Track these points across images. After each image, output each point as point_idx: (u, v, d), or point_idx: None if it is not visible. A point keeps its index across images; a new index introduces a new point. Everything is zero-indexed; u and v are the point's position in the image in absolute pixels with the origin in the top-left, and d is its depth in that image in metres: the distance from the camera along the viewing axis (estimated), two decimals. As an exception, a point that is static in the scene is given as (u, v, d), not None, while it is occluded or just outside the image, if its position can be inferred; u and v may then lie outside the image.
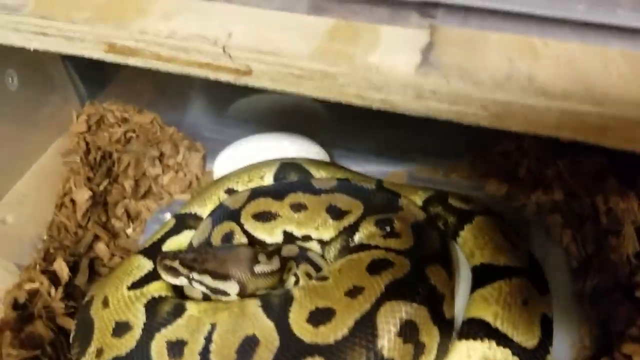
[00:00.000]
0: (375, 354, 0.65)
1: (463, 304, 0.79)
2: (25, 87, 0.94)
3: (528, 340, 0.73)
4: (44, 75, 1.12)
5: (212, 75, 0.58)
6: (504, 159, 1.15)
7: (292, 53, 0.53)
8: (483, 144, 1.17)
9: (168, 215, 1.16)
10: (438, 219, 0.87)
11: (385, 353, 0.65)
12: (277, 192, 0.86)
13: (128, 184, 1.10)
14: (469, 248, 0.83)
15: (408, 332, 0.67)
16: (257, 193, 0.87)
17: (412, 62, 0.50)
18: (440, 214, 0.87)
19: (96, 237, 1.01)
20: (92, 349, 0.73)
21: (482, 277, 0.79)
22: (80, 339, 0.75)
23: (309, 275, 0.81)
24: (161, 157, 1.17)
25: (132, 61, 0.60)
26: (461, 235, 0.85)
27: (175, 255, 0.77)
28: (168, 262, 0.76)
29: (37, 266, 0.89)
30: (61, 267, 0.89)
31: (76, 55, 0.62)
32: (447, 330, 0.72)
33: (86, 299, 0.82)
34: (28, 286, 0.85)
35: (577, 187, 1.05)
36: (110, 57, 0.61)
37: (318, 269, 0.82)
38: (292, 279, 0.82)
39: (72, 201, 1.00)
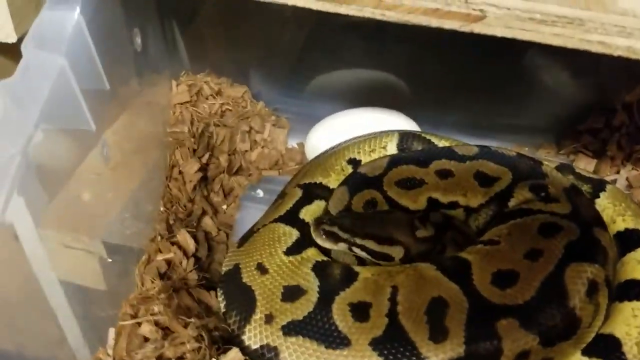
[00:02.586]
0: (567, 314, 0.65)
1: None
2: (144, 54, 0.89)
3: (684, 300, 0.75)
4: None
5: (434, 22, 0.57)
6: (593, 136, 1.17)
7: (539, -3, 0.52)
8: (570, 121, 1.19)
9: (260, 192, 1.13)
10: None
11: (577, 313, 0.65)
12: (419, 159, 0.85)
13: (224, 159, 1.06)
14: (608, 215, 0.84)
15: (592, 292, 0.67)
16: (397, 160, 0.86)
17: (673, 8, 0.50)
18: (574, 183, 0.88)
19: (203, 211, 0.97)
20: (257, 316, 0.70)
21: (629, 241, 0.80)
22: (238, 308, 0.72)
23: (455, 242, 0.81)
24: (249, 132, 1.14)
25: (344, 9, 0.58)
26: (598, 203, 0.86)
27: (332, 220, 0.75)
28: (327, 227, 0.74)
29: (162, 237, 0.85)
30: (186, 239, 0.85)
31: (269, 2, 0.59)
32: (612, 291, 0.73)
33: (227, 269, 0.78)
34: (161, 256, 0.81)
35: (671, 162, 1.08)
36: (320, 6, 0.58)
37: (465, 235, 0.81)
38: (438, 247, 0.81)
39: (181, 173, 0.96)
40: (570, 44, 0.55)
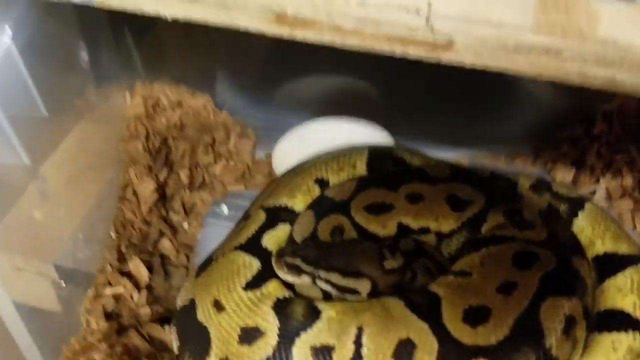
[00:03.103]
0: (544, 354, 0.61)
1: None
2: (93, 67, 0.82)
3: (666, 330, 0.72)
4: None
5: (399, 50, 0.51)
6: (572, 145, 1.13)
7: (512, 24, 0.47)
8: (548, 130, 1.15)
9: (224, 208, 1.07)
10: (549, 208, 0.83)
11: (554, 352, 0.61)
12: (389, 181, 0.79)
13: (184, 174, 1.00)
14: (586, 237, 0.80)
15: (569, 329, 0.63)
16: (366, 183, 0.80)
17: (657, 36, 0.46)
18: (550, 202, 0.84)
19: (160, 233, 0.91)
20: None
21: (608, 266, 0.77)
22: (192, 350, 0.67)
23: (427, 270, 0.76)
24: (212, 144, 1.07)
25: (300, 34, 0.52)
26: (576, 224, 0.81)
27: (295, 251, 0.70)
28: (289, 260, 0.68)
29: (112, 268, 0.79)
30: (139, 268, 0.79)
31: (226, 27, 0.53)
32: (590, 323, 0.69)
33: (181, 303, 0.73)
34: (110, 291, 0.75)
35: (651, 173, 1.05)
36: (274, 30, 0.52)
37: (438, 263, 0.76)
38: (408, 275, 0.76)
39: (135, 193, 0.89)
40: (546, 73, 0.50)
